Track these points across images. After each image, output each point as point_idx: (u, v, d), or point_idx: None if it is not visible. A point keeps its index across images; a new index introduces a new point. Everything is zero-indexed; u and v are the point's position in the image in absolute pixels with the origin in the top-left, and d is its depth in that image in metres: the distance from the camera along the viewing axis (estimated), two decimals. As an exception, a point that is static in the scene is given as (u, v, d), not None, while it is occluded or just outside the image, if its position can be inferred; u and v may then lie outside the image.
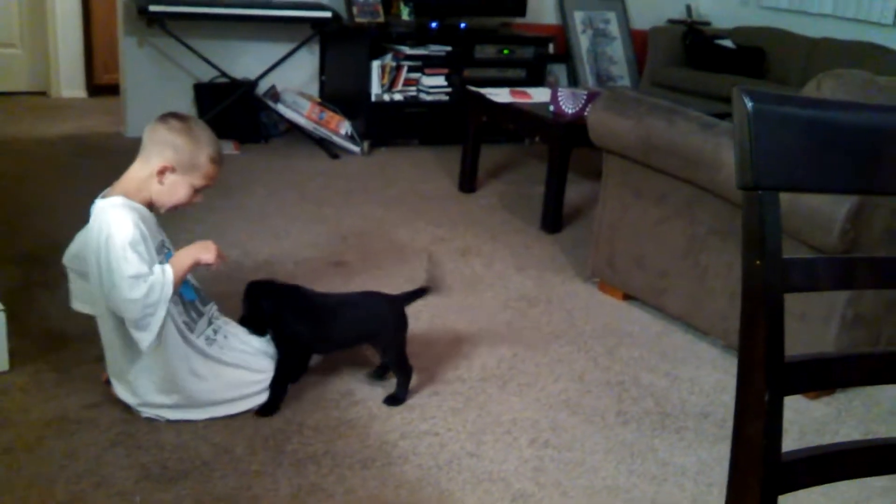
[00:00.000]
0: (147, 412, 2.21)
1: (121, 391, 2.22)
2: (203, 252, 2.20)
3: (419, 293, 2.49)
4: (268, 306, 2.31)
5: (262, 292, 2.33)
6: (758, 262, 0.88)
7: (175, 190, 2.19)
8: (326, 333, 2.38)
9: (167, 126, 2.17)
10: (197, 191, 2.23)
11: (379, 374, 2.50)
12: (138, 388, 2.18)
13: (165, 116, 2.21)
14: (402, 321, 2.43)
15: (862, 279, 0.96)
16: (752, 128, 0.86)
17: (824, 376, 0.97)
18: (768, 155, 0.87)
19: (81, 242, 2.21)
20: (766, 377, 0.90)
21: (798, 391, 0.94)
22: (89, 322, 2.63)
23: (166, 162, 2.15)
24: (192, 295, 2.30)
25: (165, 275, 2.09)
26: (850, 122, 0.91)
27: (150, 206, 2.22)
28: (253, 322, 2.33)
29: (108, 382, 2.31)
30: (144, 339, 2.09)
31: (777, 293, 0.89)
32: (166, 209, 2.24)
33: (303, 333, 2.33)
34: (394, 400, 2.39)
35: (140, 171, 2.18)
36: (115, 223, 2.07)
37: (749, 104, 0.86)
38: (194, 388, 2.21)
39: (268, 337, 2.35)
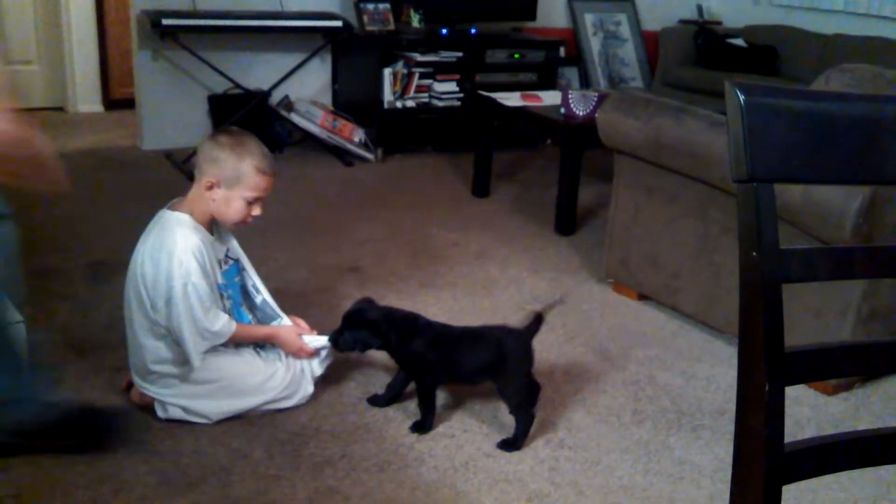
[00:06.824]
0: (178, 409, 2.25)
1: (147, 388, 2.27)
2: (293, 350, 2.33)
3: (539, 322, 2.32)
4: (395, 339, 2.26)
5: (388, 324, 2.26)
6: (754, 254, 0.89)
7: (228, 204, 2.20)
8: (454, 364, 2.30)
9: (214, 142, 2.21)
10: (251, 203, 2.23)
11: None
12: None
13: (216, 133, 2.23)
14: (530, 356, 2.29)
15: (860, 268, 0.96)
16: (745, 120, 0.87)
17: (825, 366, 0.97)
18: (762, 147, 0.87)
19: None
20: (767, 368, 0.91)
21: (798, 381, 0.94)
22: (107, 332, 2.67)
23: (211, 177, 2.18)
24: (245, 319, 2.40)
25: (223, 328, 2.21)
26: (844, 113, 0.92)
27: (213, 221, 2.26)
28: (363, 346, 2.28)
29: (127, 390, 2.35)
30: (193, 360, 2.19)
31: (775, 284, 0.90)
32: (231, 225, 2.28)
33: (433, 364, 2.27)
34: (509, 444, 2.23)
35: (196, 188, 2.22)
36: (179, 243, 2.14)
37: (741, 97, 0.87)
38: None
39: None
